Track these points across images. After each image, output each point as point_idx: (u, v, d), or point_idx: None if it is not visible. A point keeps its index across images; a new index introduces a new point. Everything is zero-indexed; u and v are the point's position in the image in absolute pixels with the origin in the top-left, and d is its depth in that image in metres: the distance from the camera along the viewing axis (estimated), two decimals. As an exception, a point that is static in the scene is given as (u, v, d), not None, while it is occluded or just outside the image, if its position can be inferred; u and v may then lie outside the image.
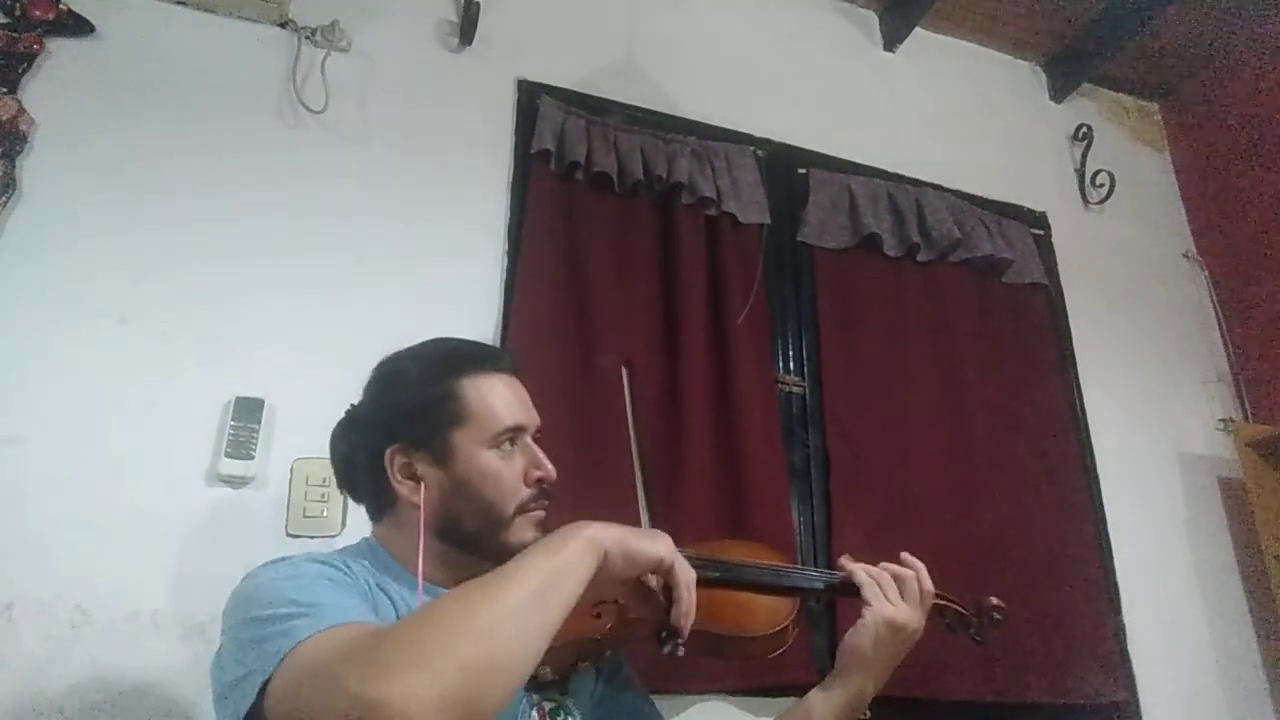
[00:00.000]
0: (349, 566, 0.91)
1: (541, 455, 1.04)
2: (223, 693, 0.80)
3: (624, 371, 1.08)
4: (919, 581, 1.09)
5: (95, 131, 1.66)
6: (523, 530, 1.00)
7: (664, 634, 0.91)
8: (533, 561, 0.79)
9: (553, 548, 0.82)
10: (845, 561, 1.13)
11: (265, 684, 0.73)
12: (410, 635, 0.69)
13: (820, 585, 1.14)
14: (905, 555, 1.13)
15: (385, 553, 1.01)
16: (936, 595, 1.13)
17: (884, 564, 1.11)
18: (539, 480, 1.02)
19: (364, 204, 1.80)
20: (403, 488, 0.99)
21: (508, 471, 1.00)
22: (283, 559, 0.91)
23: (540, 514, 1.02)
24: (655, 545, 0.89)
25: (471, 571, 1.01)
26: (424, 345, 1.09)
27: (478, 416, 1.00)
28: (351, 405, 1.08)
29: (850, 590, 1.09)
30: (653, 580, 0.91)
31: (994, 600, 1.15)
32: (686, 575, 0.90)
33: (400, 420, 1.01)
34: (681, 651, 0.91)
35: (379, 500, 1.04)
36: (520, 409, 1.04)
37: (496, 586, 0.75)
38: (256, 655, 0.76)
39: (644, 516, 1.00)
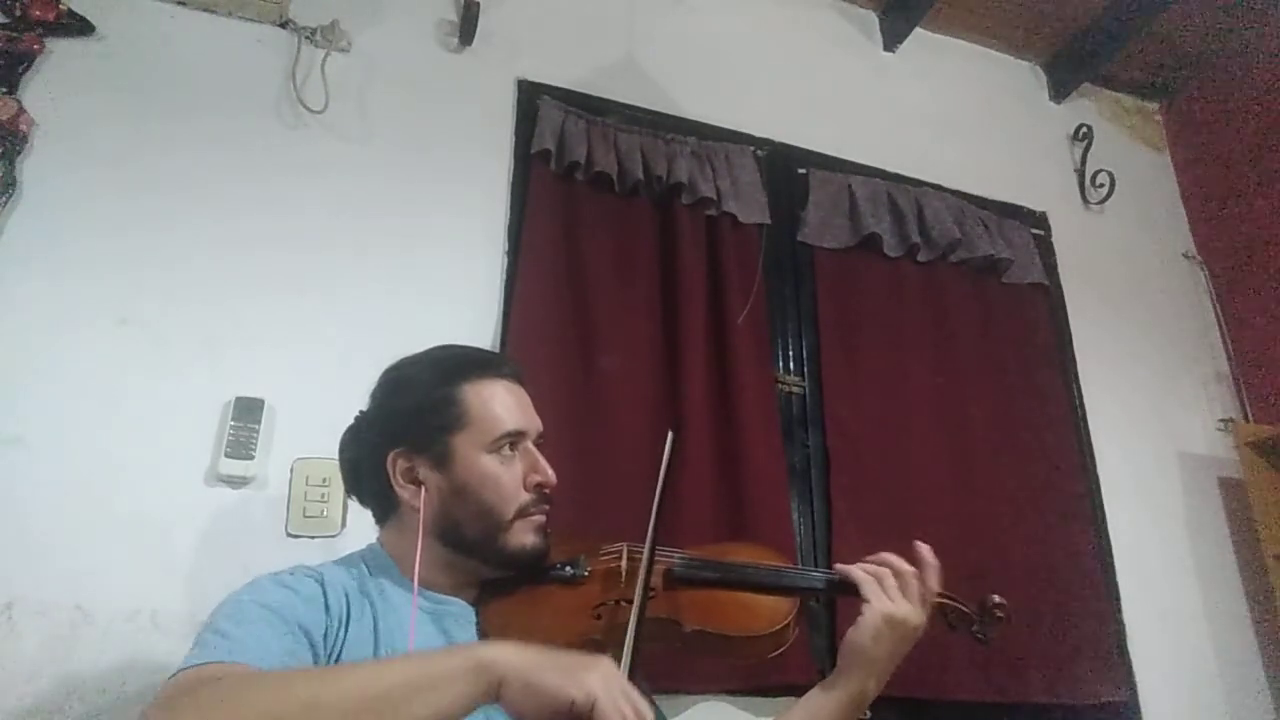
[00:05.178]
0: (322, 578, 0.92)
1: (542, 460, 1.04)
2: None
3: (669, 438, 1.09)
4: (922, 579, 1.07)
5: (95, 131, 1.66)
6: (522, 534, 1.01)
7: None
8: (399, 666, 0.76)
9: (431, 658, 0.76)
10: (839, 566, 1.11)
11: None
12: (210, 698, 0.71)
13: (820, 584, 1.13)
14: (918, 545, 1.10)
15: (387, 556, 1.03)
16: (938, 594, 1.12)
17: (884, 555, 1.09)
18: (539, 485, 1.03)
19: (364, 204, 1.80)
20: (404, 491, 1.01)
21: (507, 476, 1.01)
22: (254, 581, 0.92)
23: (540, 519, 1.03)
24: (568, 683, 0.71)
25: (472, 575, 1.02)
26: (430, 352, 1.10)
27: (477, 421, 1.01)
28: (360, 411, 1.09)
29: (851, 589, 1.08)
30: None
31: (996, 598, 1.15)
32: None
33: (403, 425, 1.02)
34: None
35: (383, 504, 1.06)
36: (521, 414, 1.05)
37: (332, 681, 0.74)
38: None
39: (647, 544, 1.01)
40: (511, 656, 0.74)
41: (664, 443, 1.07)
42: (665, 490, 1.04)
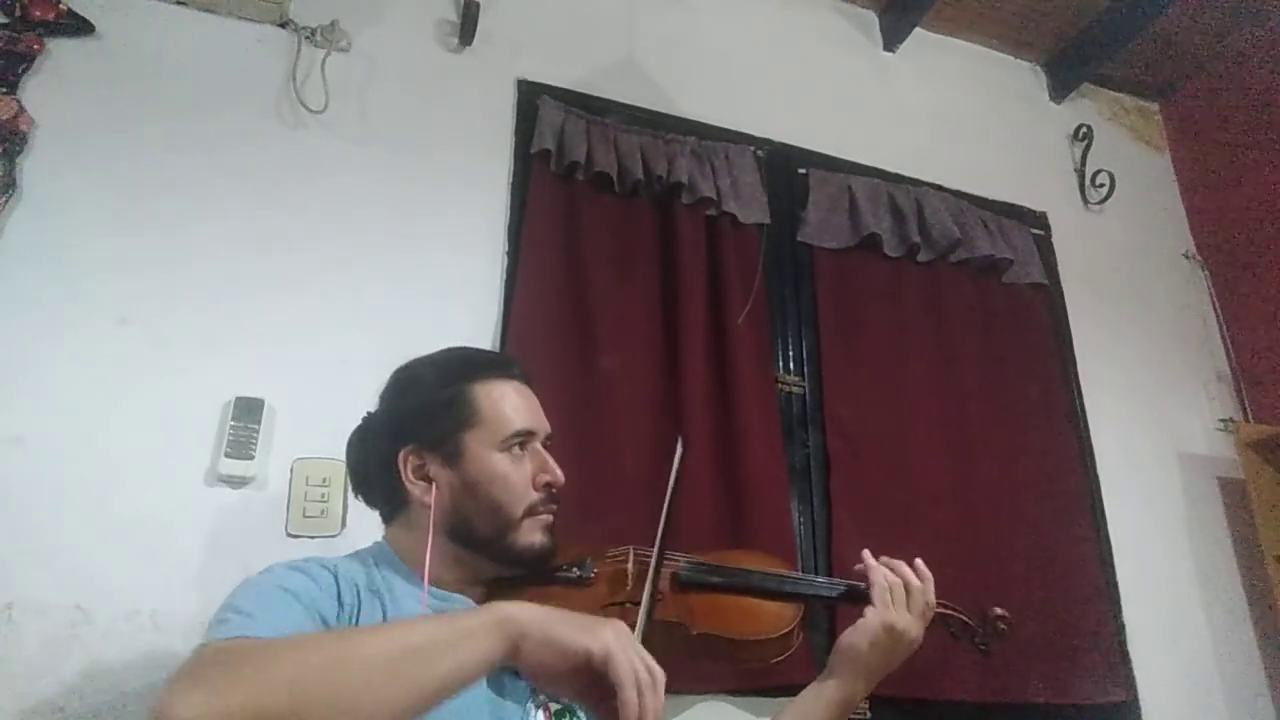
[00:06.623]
0: (336, 571, 0.93)
1: (551, 461, 1.06)
2: None
3: (679, 444, 1.09)
4: (925, 593, 1.10)
5: (95, 131, 1.66)
6: (530, 533, 1.02)
7: None
8: (423, 625, 0.76)
9: (453, 618, 0.77)
10: (868, 557, 1.13)
11: None
12: (237, 660, 0.70)
13: (824, 592, 1.14)
14: (918, 563, 1.12)
15: (395, 554, 1.03)
16: (941, 605, 1.13)
17: (900, 564, 1.12)
18: (548, 484, 1.05)
19: (364, 204, 1.80)
20: (415, 488, 1.02)
21: (516, 474, 1.02)
22: (269, 568, 0.93)
23: (548, 518, 1.04)
24: (586, 636, 0.75)
25: (481, 572, 1.03)
26: (439, 353, 1.11)
27: (488, 420, 1.03)
28: (368, 412, 1.10)
29: (856, 599, 1.09)
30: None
31: (999, 610, 1.15)
32: (632, 673, 0.75)
33: (414, 422, 1.04)
34: None
35: (392, 502, 1.06)
36: (531, 415, 1.06)
37: (358, 640, 0.74)
38: None
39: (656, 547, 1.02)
40: (531, 613, 0.76)
41: (673, 449, 1.07)
42: (674, 499, 1.04)
